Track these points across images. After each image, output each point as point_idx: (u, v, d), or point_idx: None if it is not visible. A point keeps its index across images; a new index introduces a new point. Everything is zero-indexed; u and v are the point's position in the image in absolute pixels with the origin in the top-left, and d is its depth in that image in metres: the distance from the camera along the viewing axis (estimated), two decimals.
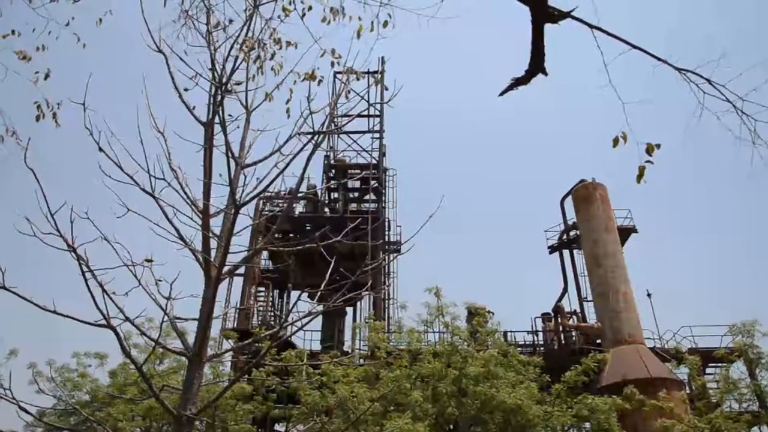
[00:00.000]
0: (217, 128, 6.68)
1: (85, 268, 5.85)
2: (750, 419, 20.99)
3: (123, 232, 6.05)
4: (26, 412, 5.91)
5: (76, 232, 5.74)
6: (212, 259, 6.38)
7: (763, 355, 21.54)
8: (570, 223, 32.40)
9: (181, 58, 6.88)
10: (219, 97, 6.71)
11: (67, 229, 5.71)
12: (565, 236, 32.93)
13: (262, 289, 31.22)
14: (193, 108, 6.80)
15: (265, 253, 32.92)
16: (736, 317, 23.98)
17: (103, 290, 5.89)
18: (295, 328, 22.87)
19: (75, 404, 17.19)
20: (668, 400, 21.08)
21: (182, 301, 6.44)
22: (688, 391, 24.32)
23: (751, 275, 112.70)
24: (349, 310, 34.53)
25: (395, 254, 31.42)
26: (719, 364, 23.90)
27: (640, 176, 5.07)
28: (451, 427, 18.39)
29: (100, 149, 6.16)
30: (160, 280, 6.32)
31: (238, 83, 7.02)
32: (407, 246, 7.04)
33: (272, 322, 29.04)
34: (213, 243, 6.64)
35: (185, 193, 6.49)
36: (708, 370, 26.17)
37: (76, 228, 5.73)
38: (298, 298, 7.13)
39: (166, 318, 6.19)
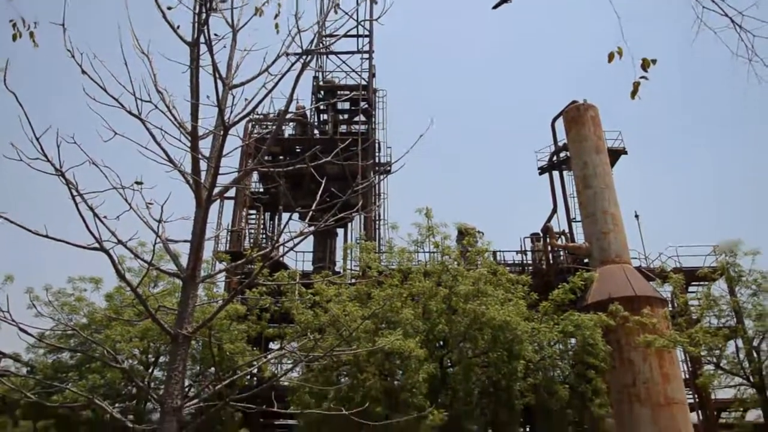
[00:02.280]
0: (203, 48, 6.53)
1: (74, 192, 5.83)
2: (727, 333, 21.73)
3: (111, 156, 5.99)
4: (27, 333, 6.02)
5: (63, 157, 5.69)
6: (202, 181, 6.37)
7: (744, 273, 22.09)
8: (560, 144, 32.38)
9: None
10: (204, 16, 6.52)
11: (54, 154, 5.66)
12: (555, 157, 32.97)
13: (253, 212, 31.36)
14: (178, 27, 6.61)
15: (255, 177, 32.87)
16: (722, 238, 24.48)
17: (94, 214, 5.90)
18: (286, 248, 23.08)
19: (74, 326, 17.46)
20: (651, 317, 21.70)
21: (174, 224, 6.47)
22: (670, 309, 25.00)
23: (742, 195, 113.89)
24: (341, 231, 34.87)
25: (385, 175, 31.48)
26: (702, 283, 24.54)
27: (634, 92, 5.03)
28: (441, 343, 18.90)
29: (83, 72, 6.02)
30: (150, 203, 6.32)
31: (223, 0, 6.81)
32: (398, 165, 7.04)
33: (264, 244, 29.28)
34: (203, 165, 6.61)
35: (173, 115, 6.40)
36: (691, 289, 26.84)
37: (62, 153, 5.66)
38: (289, 218, 7.17)
39: (158, 240, 6.23)
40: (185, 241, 6.74)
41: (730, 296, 22.89)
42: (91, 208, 5.89)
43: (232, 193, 29.56)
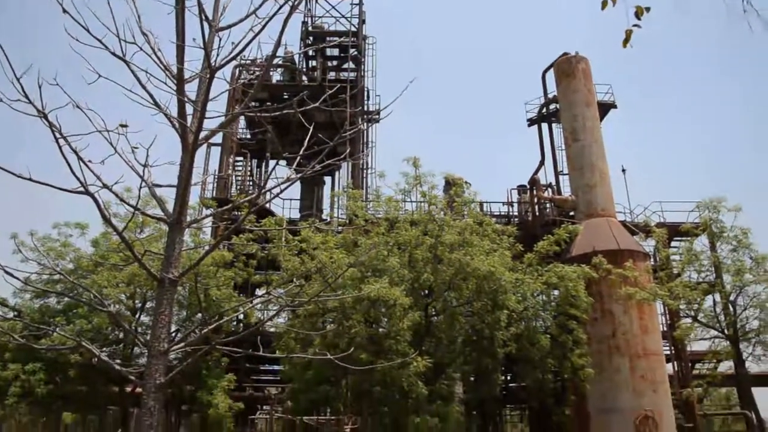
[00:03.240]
0: None
1: (57, 135, 5.75)
2: (706, 288, 22.17)
3: (95, 99, 5.89)
4: (13, 276, 6.01)
5: (45, 99, 5.58)
6: (188, 125, 6.30)
7: (725, 229, 22.40)
8: (550, 96, 32.19)
9: None
10: None
11: (36, 96, 5.55)
12: (544, 109, 32.82)
13: (240, 158, 31.10)
14: None
15: (242, 124, 32.53)
16: (708, 194, 24.74)
17: (78, 157, 5.83)
18: (273, 194, 23.11)
19: (60, 271, 17.46)
20: (633, 270, 22.04)
21: (160, 169, 6.42)
22: (652, 263, 25.37)
23: (731, 151, 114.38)
24: (328, 180, 34.79)
25: (374, 122, 31.26)
26: (684, 238, 24.86)
27: (626, 40, 4.97)
28: (426, 292, 19.10)
29: (64, 11, 5.86)
30: (136, 147, 6.25)
31: None
32: (386, 112, 6.99)
33: (251, 191, 29.19)
34: (189, 109, 6.52)
35: (158, 57, 6.27)
36: (673, 244, 27.17)
37: (45, 96, 5.55)
38: (276, 164, 7.15)
39: (143, 184, 6.19)
40: (171, 186, 6.70)
41: (710, 251, 23.28)
42: (75, 151, 5.82)
43: (218, 139, 29.29)
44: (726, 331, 22.00)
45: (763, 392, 35.63)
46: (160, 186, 6.78)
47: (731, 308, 21.76)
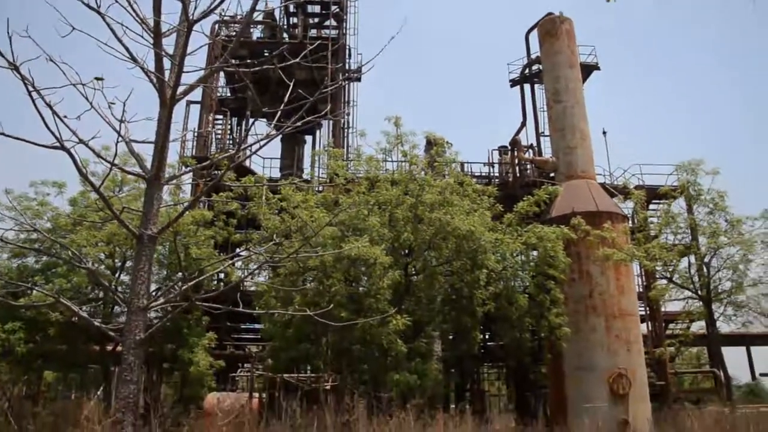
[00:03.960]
0: None
1: (30, 88, 5.64)
2: (682, 249, 22.62)
3: (69, 53, 5.76)
4: None
5: (16, 52, 5.44)
6: (166, 80, 6.21)
7: (702, 192, 22.75)
8: (534, 57, 32.02)
9: None
10: None
11: (6, 47, 5.42)
12: (527, 70, 32.66)
13: (220, 117, 30.72)
14: None
15: (222, 81, 32.07)
16: (688, 157, 25.00)
17: (53, 111, 5.75)
18: (252, 151, 22.95)
19: (38, 228, 17.24)
20: (611, 231, 22.31)
21: (138, 127, 6.35)
22: (630, 224, 25.70)
23: (711, 115, 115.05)
24: (309, 139, 34.59)
25: (355, 81, 30.95)
26: (662, 201, 25.21)
27: None
28: (407, 251, 19.20)
29: None
30: (113, 103, 6.16)
31: None
32: (368, 67, 6.92)
33: (231, 149, 28.92)
34: (167, 64, 6.42)
35: (134, 10, 6.15)
36: (651, 206, 27.53)
37: (15, 49, 5.42)
38: (255, 120, 7.09)
39: (120, 139, 6.12)
40: (149, 141, 6.64)
41: (687, 214, 23.68)
42: (50, 105, 5.73)
43: (198, 96, 28.88)
44: (699, 292, 22.53)
45: (732, 351, 36.83)
46: (138, 142, 6.72)
47: (705, 270, 22.27)
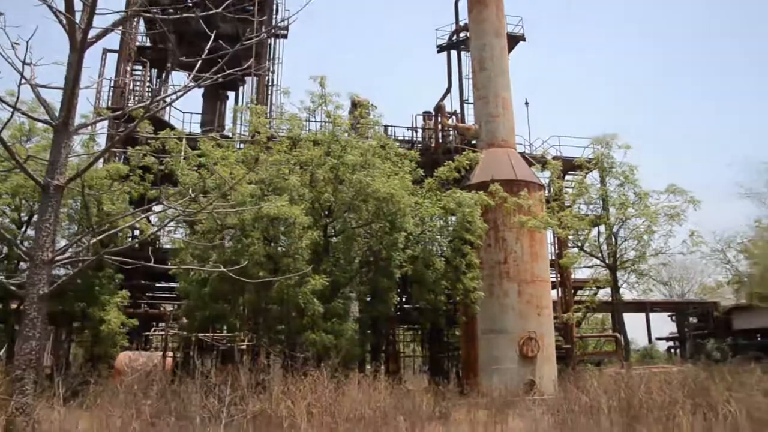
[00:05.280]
0: None
1: None
2: (593, 219, 23.61)
3: None
4: None
5: None
6: (77, 21, 5.89)
7: (615, 165, 23.72)
8: (462, 24, 32.14)
9: None
10: None
11: None
12: (455, 37, 32.79)
13: (139, 67, 29.31)
14: None
15: (142, 29, 30.67)
16: (609, 131, 25.90)
17: None
18: (169, 101, 22.21)
19: None
20: (527, 199, 22.98)
21: (47, 70, 6.01)
22: (547, 193, 26.52)
23: (631, 90, 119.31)
24: (232, 95, 33.70)
25: (281, 38, 30.26)
26: (578, 172, 26.10)
27: None
28: (327, 212, 19.18)
29: None
30: (17, 43, 5.81)
31: None
32: (293, 20, 6.76)
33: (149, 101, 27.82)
34: (78, 5, 6.07)
35: None
36: (567, 177, 28.44)
37: None
38: (174, 71, 6.84)
39: (23, 81, 5.78)
40: (58, 87, 6.31)
41: (600, 185, 24.65)
42: None
43: (115, 44, 27.52)
44: (607, 261, 23.62)
45: (633, 317, 39.14)
46: (46, 87, 6.38)
47: (613, 239, 23.30)
